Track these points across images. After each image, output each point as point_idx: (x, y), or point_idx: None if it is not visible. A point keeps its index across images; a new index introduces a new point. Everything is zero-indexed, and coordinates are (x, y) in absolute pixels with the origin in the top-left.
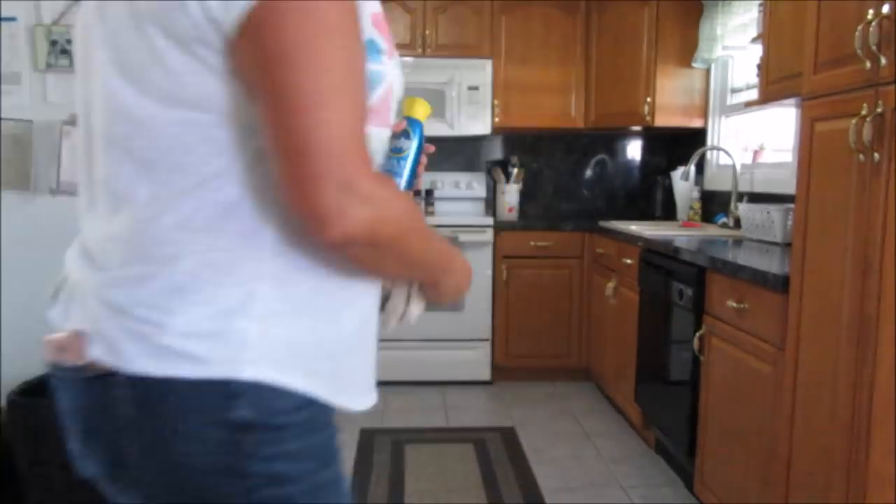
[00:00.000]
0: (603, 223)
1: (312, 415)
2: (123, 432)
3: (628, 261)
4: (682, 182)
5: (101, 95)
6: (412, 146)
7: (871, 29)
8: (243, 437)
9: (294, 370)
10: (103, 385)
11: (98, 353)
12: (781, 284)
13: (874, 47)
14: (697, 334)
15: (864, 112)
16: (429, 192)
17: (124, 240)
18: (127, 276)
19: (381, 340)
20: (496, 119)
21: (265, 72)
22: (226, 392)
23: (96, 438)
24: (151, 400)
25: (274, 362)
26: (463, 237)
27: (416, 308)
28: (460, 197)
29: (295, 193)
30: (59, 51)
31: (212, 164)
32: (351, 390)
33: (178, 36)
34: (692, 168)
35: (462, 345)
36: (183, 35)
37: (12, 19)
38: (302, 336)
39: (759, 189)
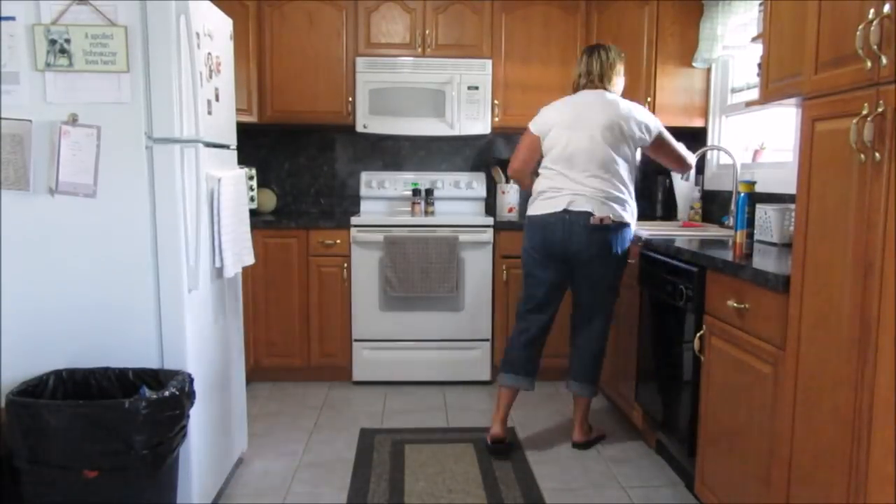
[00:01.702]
0: None
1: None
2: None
3: (628, 260)
4: (683, 182)
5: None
6: None
7: (871, 28)
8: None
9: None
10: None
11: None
12: (782, 284)
13: (875, 47)
14: (698, 334)
15: (864, 112)
16: (429, 192)
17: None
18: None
19: (382, 340)
20: (496, 119)
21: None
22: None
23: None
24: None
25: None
26: (463, 237)
27: None
28: (460, 197)
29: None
30: (58, 50)
31: None
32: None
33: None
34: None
35: (462, 345)
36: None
37: (11, 18)
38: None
39: (759, 189)
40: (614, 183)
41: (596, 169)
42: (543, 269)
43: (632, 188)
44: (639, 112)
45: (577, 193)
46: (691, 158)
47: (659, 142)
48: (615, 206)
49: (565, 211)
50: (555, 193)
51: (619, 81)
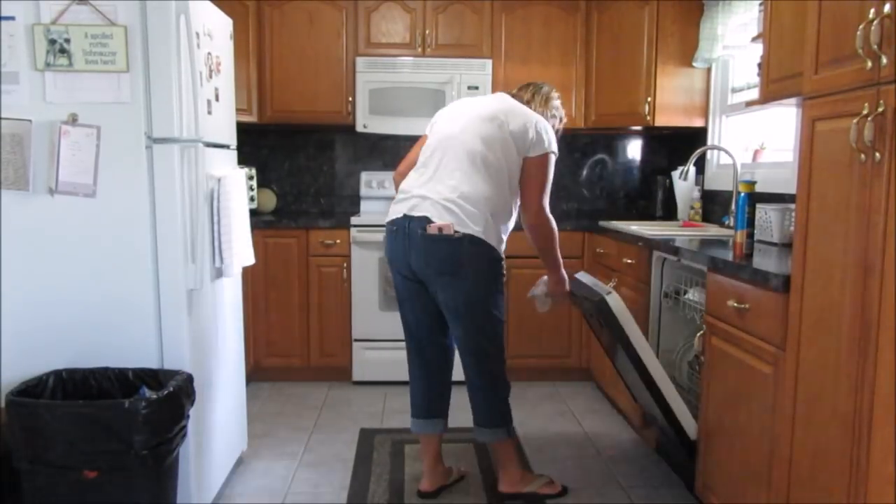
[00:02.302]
0: (603, 223)
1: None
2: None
3: (629, 261)
4: (683, 182)
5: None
6: None
7: (872, 28)
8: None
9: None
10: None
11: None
12: (782, 284)
13: (875, 46)
14: (698, 334)
15: (865, 111)
16: None
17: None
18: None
19: (382, 340)
20: None
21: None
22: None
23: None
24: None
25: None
26: None
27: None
28: None
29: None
30: (58, 50)
31: None
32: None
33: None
34: (692, 168)
35: None
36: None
37: (11, 18)
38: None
39: (759, 189)
40: (478, 185)
41: (459, 164)
42: (400, 291)
43: (507, 201)
44: (540, 122)
45: (424, 196)
46: (542, 222)
47: (538, 165)
48: (467, 214)
49: (405, 217)
50: (403, 196)
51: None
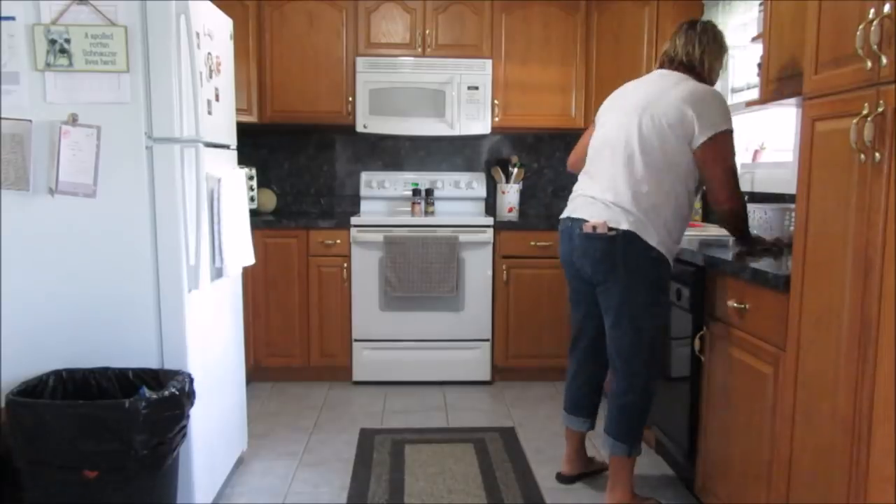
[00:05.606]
0: None
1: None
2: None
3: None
4: None
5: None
6: None
7: (872, 28)
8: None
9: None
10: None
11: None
12: (782, 284)
13: (875, 47)
14: (698, 335)
15: (865, 111)
16: (429, 192)
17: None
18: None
19: (382, 340)
20: (496, 119)
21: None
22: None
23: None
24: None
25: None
26: (463, 237)
27: None
28: (460, 197)
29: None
30: (58, 50)
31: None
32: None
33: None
34: None
35: (462, 345)
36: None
37: (11, 18)
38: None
39: (759, 189)
40: (635, 182)
41: (614, 162)
42: (570, 291)
43: (670, 196)
44: (702, 98)
45: (586, 195)
46: (735, 201)
47: (710, 150)
48: (623, 210)
49: (569, 219)
50: (571, 197)
51: (709, 69)
